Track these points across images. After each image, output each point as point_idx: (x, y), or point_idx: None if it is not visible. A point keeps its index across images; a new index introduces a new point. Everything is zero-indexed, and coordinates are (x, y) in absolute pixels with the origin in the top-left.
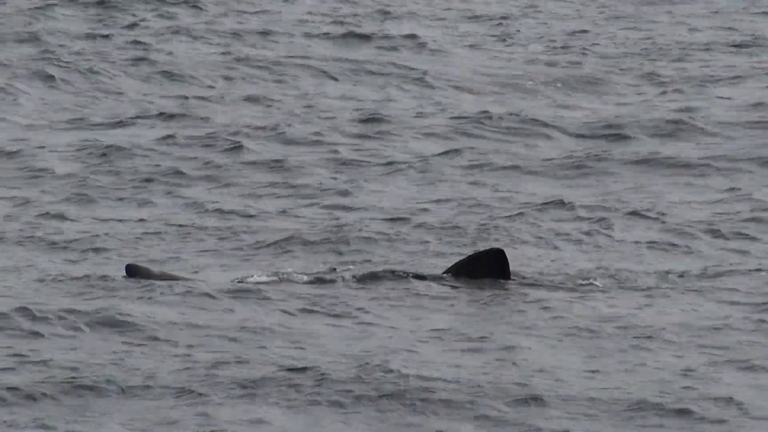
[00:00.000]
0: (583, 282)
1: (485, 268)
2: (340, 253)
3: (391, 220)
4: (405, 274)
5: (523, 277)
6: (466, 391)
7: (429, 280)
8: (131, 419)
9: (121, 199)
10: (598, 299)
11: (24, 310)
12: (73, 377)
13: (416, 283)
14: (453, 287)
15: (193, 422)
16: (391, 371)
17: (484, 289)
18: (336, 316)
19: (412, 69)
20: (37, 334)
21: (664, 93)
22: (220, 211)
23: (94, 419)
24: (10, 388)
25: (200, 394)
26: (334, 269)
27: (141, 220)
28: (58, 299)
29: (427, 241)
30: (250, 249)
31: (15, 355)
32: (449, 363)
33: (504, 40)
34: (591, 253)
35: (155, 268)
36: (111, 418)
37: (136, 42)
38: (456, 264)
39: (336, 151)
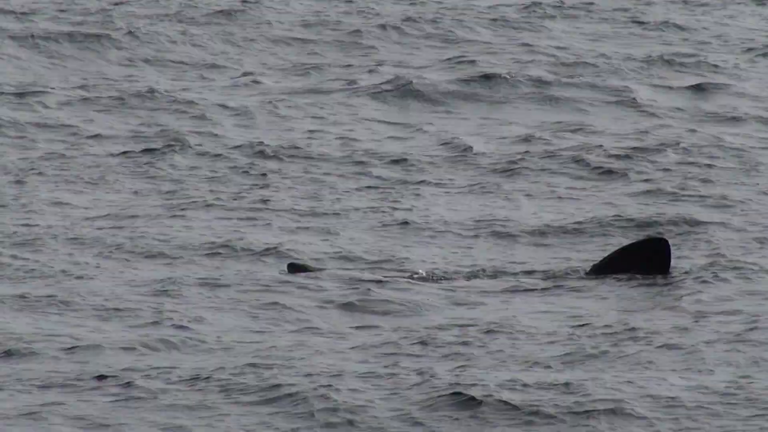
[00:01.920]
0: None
1: (643, 261)
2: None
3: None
4: (549, 271)
5: (686, 272)
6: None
7: (576, 276)
8: None
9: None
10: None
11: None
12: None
13: (563, 280)
14: (604, 284)
15: None
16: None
17: (640, 285)
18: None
19: None
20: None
21: None
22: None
23: None
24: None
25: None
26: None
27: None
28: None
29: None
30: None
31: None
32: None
33: None
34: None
35: (316, 266)
36: None
37: None
38: (608, 256)
39: None
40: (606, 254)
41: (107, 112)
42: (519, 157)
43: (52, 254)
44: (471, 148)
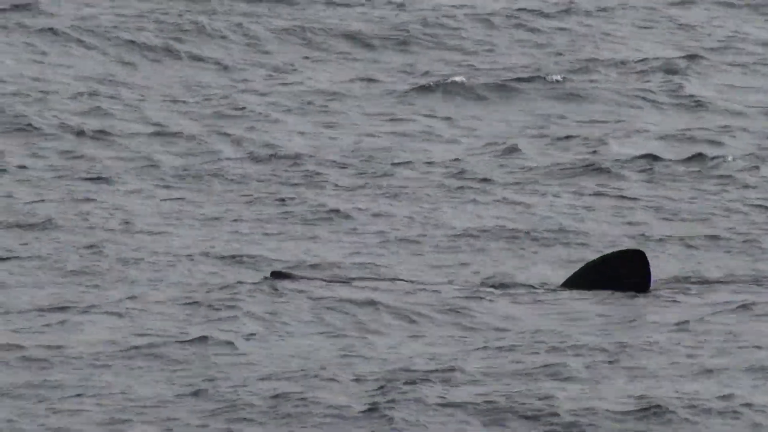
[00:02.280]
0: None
1: (619, 274)
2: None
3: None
4: (519, 285)
5: (668, 288)
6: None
7: (545, 290)
8: None
9: None
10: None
11: None
12: None
13: (531, 294)
14: (575, 299)
15: None
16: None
17: (615, 301)
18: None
19: None
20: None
21: None
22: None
23: None
24: None
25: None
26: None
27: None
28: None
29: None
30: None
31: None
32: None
33: None
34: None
35: (299, 273)
36: None
37: None
38: (581, 269)
39: None
40: (582, 265)
41: (153, 110)
42: (560, 159)
43: (108, 258)
44: (517, 148)
